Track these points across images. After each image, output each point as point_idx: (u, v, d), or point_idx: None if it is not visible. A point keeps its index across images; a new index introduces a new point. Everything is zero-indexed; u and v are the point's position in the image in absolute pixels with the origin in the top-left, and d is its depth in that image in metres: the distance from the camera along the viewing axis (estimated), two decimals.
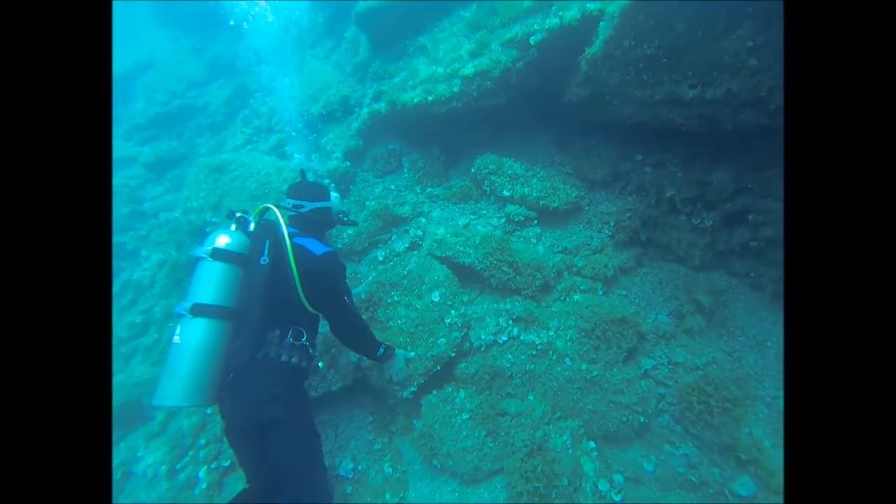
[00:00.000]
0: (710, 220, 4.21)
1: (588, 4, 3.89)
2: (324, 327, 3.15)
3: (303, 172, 3.28)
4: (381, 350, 3.12)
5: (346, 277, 3.04)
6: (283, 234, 2.59)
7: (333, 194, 3.25)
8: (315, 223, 3.03)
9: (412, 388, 3.64)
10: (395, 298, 4.02)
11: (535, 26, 4.09)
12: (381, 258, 4.58)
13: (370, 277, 4.31)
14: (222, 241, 2.52)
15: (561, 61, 4.44)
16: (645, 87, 3.87)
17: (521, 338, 3.79)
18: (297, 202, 3.03)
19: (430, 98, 4.61)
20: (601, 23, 3.85)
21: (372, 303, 4.05)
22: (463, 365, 3.78)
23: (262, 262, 2.59)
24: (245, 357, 2.34)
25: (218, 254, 2.46)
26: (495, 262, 4.02)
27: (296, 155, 5.28)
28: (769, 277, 4.01)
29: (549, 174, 4.76)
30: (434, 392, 3.71)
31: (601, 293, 4.15)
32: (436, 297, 3.94)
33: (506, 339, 3.81)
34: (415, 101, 4.67)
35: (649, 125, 4.23)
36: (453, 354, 3.77)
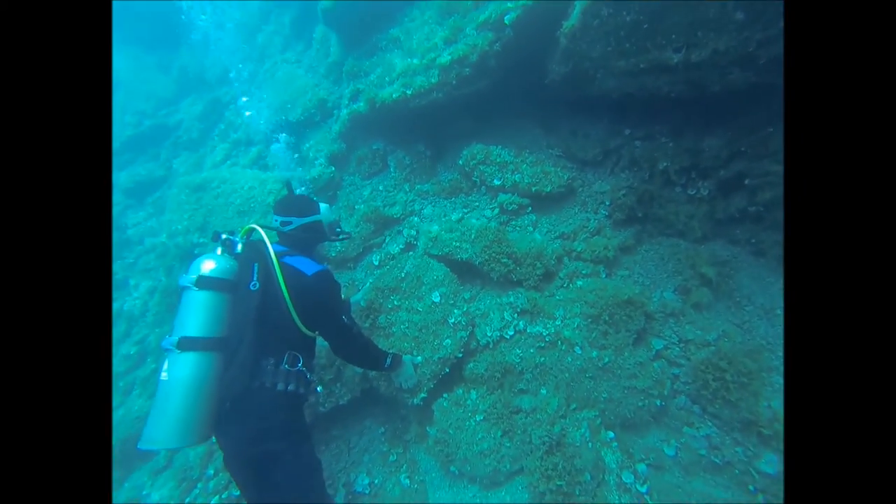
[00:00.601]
0: (706, 188, 4.11)
1: None
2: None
3: (289, 185, 3.11)
4: (388, 361, 3.01)
5: (341, 295, 2.91)
6: (270, 256, 2.46)
7: (322, 206, 3.10)
8: (305, 240, 2.89)
9: (422, 395, 3.54)
10: (396, 303, 3.90)
11: (509, 4, 3.93)
12: (376, 262, 4.46)
13: (367, 284, 4.19)
14: (207, 266, 2.38)
15: (539, 40, 4.28)
16: (628, 56, 3.72)
17: (528, 330, 3.69)
18: (285, 219, 2.87)
19: (409, 92, 4.45)
20: None
21: (372, 310, 3.93)
22: (472, 364, 3.69)
23: (252, 288, 2.46)
24: (239, 387, 2.23)
25: (203, 282, 2.32)
26: (494, 254, 3.90)
27: (278, 166, 5.12)
28: (771, 241, 3.92)
29: (538, 158, 4.63)
30: (445, 396, 3.62)
31: (604, 276, 4.05)
32: (436, 297, 3.83)
33: (512, 333, 3.71)
34: (394, 96, 4.51)
35: (636, 97, 4.09)
36: (461, 355, 3.67)
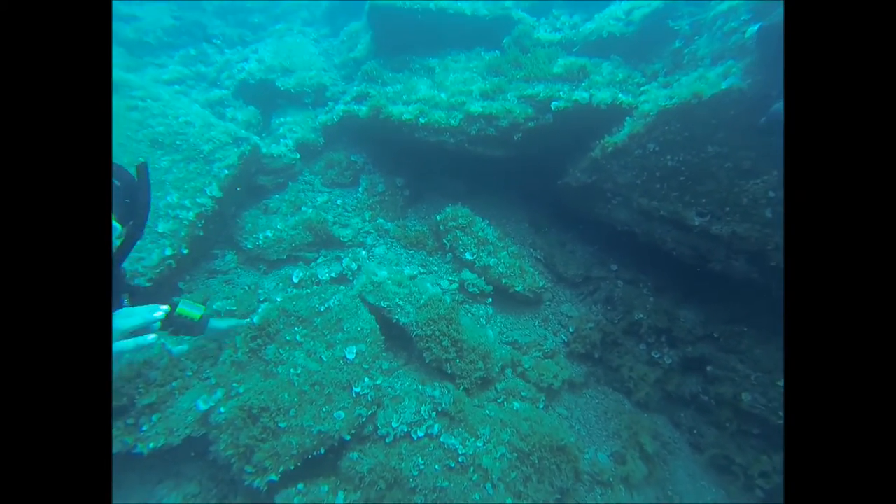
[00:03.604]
0: (671, 358, 3.84)
1: (620, 95, 3.60)
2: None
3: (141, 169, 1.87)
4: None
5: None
6: None
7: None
8: None
9: (272, 476, 2.51)
10: (298, 338, 2.97)
11: (561, 94, 3.70)
12: (296, 279, 3.54)
13: (275, 300, 3.23)
14: None
15: (569, 140, 4.10)
16: (652, 197, 3.56)
17: (442, 440, 2.89)
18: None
19: (421, 120, 3.95)
20: (628, 118, 3.56)
21: (265, 334, 2.95)
22: (355, 456, 2.76)
23: None
24: None
25: None
26: (437, 333, 3.19)
27: (238, 118, 4.21)
28: (711, 440, 3.63)
29: (519, 252, 4.19)
30: (300, 488, 2.62)
31: (542, 406, 3.45)
32: (351, 353, 2.96)
33: (422, 435, 2.88)
34: (404, 117, 3.97)
35: (638, 239, 3.91)
36: (348, 438, 2.75)
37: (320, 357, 2.91)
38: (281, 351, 2.90)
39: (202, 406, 2.73)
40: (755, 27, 2.95)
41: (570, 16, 4.54)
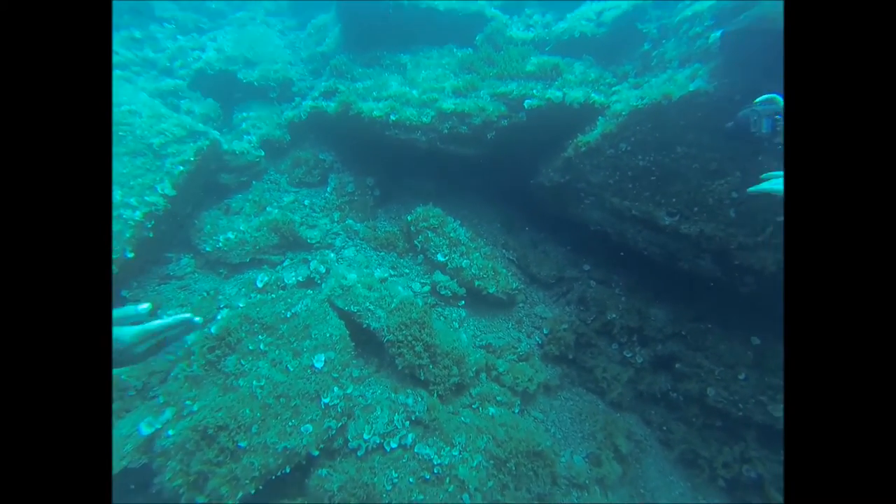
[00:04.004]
0: (642, 357, 3.87)
1: (593, 94, 3.59)
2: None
3: None
4: None
5: None
6: None
7: None
8: None
9: (231, 503, 2.33)
10: (262, 347, 2.79)
11: (535, 92, 3.66)
12: (260, 284, 3.34)
13: (237, 307, 3.03)
14: None
15: (542, 139, 4.07)
16: (625, 196, 3.57)
17: (417, 450, 2.79)
18: None
19: (392, 118, 3.82)
20: (600, 117, 3.56)
21: (225, 343, 2.75)
22: (324, 473, 2.62)
23: None
24: None
25: None
26: (409, 338, 3.08)
27: (195, 111, 3.94)
28: (680, 436, 3.68)
29: (492, 253, 4.13)
30: None
31: (517, 411, 3.40)
32: (319, 361, 2.81)
33: (396, 446, 2.77)
34: (374, 113, 3.83)
35: (611, 238, 3.92)
36: (316, 453, 2.61)
37: (286, 367, 2.75)
38: (243, 362, 2.71)
39: (145, 430, 2.50)
40: (718, 33, 3.00)
41: (542, 15, 4.51)
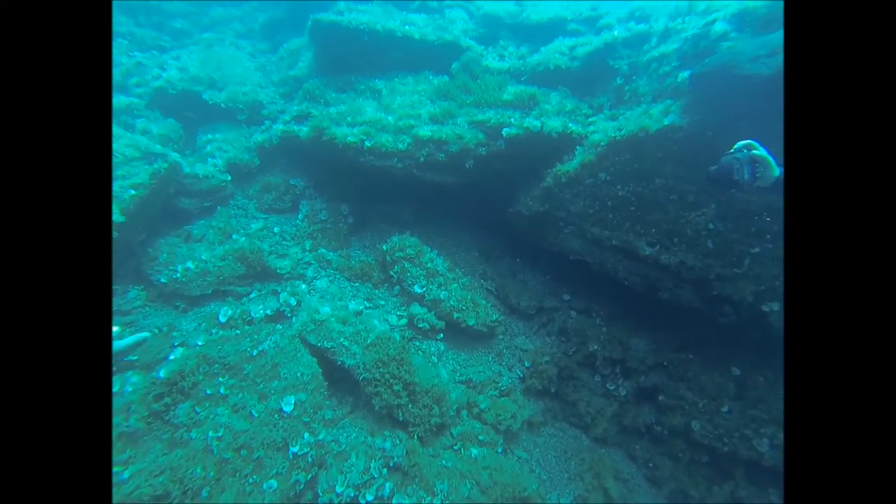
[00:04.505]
0: (625, 389, 3.79)
1: (570, 124, 3.61)
2: None
3: None
4: None
5: None
6: None
7: None
8: None
9: None
10: (223, 390, 2.51)
11: (513, 120, 3.65)
12: (223, 318, 3.06)
13: (195, 345, 2.74)
14: None
15: (520, 167, 4.04)
16: (605, 226, 3.56)
17: (395, 501, 2.53)
18: None
19: (367, 143, 3.70)
20: (578, 147, 3.58)
21: (177, 389, 2.45)
22: None
23: None
24: None
25: None
26: (387, 375, 2.87)
27: (153, 131, 3.68)
28: (667, 473, 3.57)
29: (471, 284, 4.01)
30: None
31: (501, 450, 3.21)
32: (288, 404, 2.55)
33: (372, 499, 2.50)
34: (348, 139, 3.71)
35: (590, 268, 3.88)
36: None
37: (250, 412, 2.47)
38: (198, 409, 2.41)
39: None
40: (686, 73, 3.12)
41: (516, 47, 4.59)
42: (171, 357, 2.63)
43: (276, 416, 2.50)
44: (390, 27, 4.16)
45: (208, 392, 2.49)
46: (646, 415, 3.75)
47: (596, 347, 3.83)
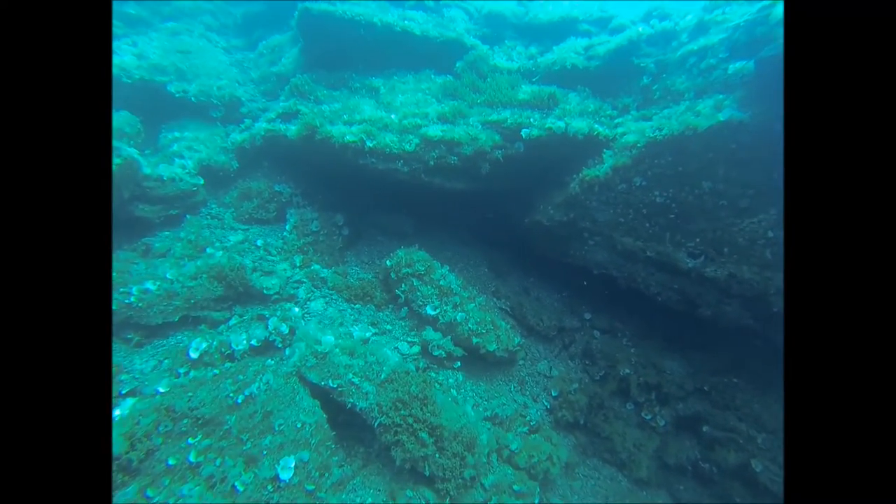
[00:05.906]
0: (663, 419, 3.36)
1: (596, 126, 3.26)
2: None
3: None
4: None
5: None
6: None
7: None
8: None
9: None
10: (193, 457, 1.86)
11: (532, 120, 3.26)
12: (194, 354, 2.40)
13: (154, 392, 2.09)
14: None
15: (535, 171, 3.65)
16: (638, 236, 3.18)
17: None
18: None
19: (368, 143, 3.21)
20: (606, 150, 3.22)
21: (119, 465, 1.79)
22: None
23: None
24: None
25: None
26: (409, 418, 2.32)
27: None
28: None
29: (487, 304, 3.52)
30: None
31: (537, 501, 2.68)
32: (286, 469, 1.94)
33: None
34: (346, 138, 3.21)
35: (617, 282, 3.50)
36: None
37: (232, 485, 1.83)
38: (149, 492, 1.75)
39: None
40: (739, 64, 2.84)
41: (525, 47, 4.28)
42: (116, 414, 1.94)
43: (269, 487, 1.88)
44: (388, 21, 3.73)
45: (171, 462, 1.84)
46: (688, 449, 3.33)
47: (628, 371, 3.41)
